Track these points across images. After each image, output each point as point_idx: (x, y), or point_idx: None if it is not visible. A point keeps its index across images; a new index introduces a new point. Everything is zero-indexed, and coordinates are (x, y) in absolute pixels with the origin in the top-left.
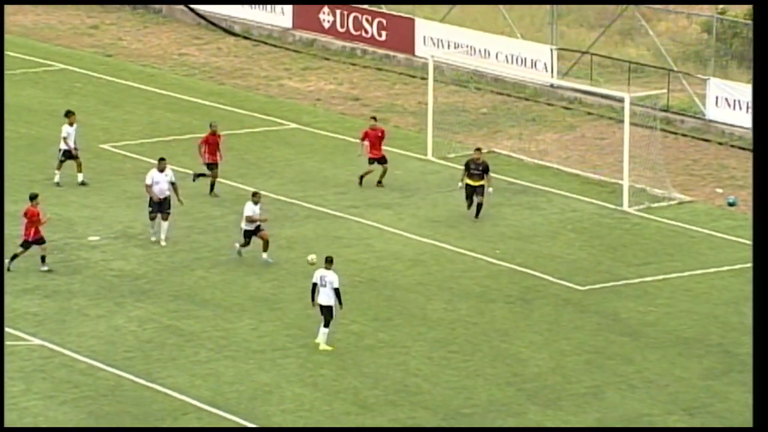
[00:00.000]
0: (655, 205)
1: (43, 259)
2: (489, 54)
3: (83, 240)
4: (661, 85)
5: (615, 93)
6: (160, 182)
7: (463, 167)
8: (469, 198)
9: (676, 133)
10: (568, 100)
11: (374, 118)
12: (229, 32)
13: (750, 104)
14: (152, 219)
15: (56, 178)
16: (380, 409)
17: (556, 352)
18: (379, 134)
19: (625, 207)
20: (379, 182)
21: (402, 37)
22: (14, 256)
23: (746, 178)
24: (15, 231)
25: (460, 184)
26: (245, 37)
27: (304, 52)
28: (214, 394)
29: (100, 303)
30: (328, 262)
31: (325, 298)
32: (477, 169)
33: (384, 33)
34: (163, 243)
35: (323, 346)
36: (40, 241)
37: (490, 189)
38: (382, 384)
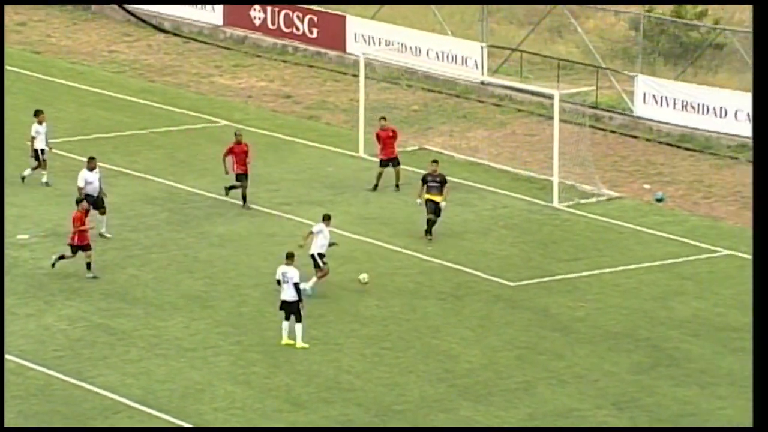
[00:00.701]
0: (585, 201)
1: (88, 265)
2: (420, 51)
3: (12, 238)
4: (590, 82)
5: (545, 90)
6: (93, 182)
7: (420, 182)
8: (433, 213)
9: (604, 130)
10: (498, 97)
11: (384, 118)
12: (159, 29)
13: (678, 100)
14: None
15: (44, 179)
16: (313, 407)
17: (487, 348)
18: (390, 134)
19: (556, 203)
20: (397, 186)
21: (333, 35)
22: (61, 257)
23: (673, 174)
24: None
25: (419, 200)
26: (175, 34)
27: (235, 49)
28: (146, 392)
29: (30, 302)
30: (289, 257)
31: (290, 294)
32: (435, 181)
33: (315, 30)
34: (108, 235)
35: (300, 344)
36: (85, 247)
37: (444, 203)
38: (314, 381)
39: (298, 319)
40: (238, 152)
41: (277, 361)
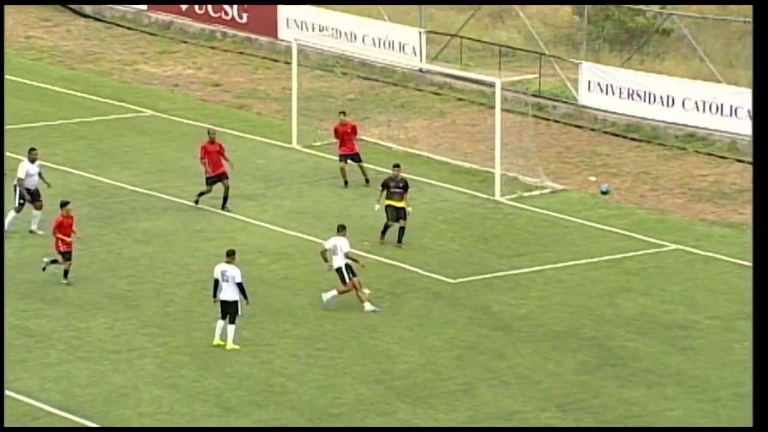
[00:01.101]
0: (528, 194)
1: (65, 273)
2: (355, 37)
3: None
4: (533, 69)
5: (485, 78)
6: (33, 174)
7: (380, 188)
8: (393, 221)
9: (548, 119)
10: (437, 86)
11: (343, 113)
12: (80, 14)
13: (624, 89)
14: (18, 211)
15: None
16: (244, 411)
17: (426, 348)
18: (349, 129)
19: (497, 196)
20: (367, 181)
21: (264, 20)
22: (54, 261)
23: (619, 165)
24: None
25: (377, 206)
26: (97, 19)
27: (160, 35)
28: (66, 397)
29: None
30: (230, 255)
31: (230, 293)
32: (398, 186)
33: (245, 15)
34: (40, 231)
35: (230, 345)
36: (66, 255)
37: (409, 208)
38: (245, 384)
39: (232, 320)
40: (212, 151)
41: (205, 364)
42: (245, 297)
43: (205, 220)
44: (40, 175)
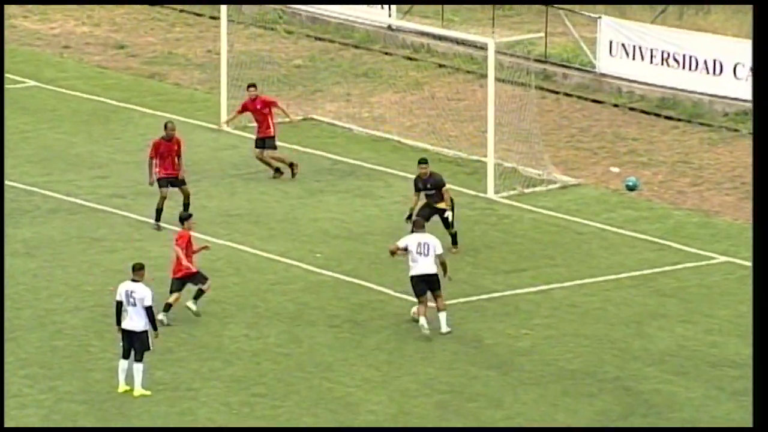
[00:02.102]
0: (530, 190)
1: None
2: None
3: None
4: (537, 26)
5: (475, 38)
6: None
7: (413, 191)
8: (424, 219)
9: (557, 92)
10: (412, 48)
11: (253, 86)
12: None
13: (656, 51)
14: None
15: None
16: None
17: (398, 393)
18: (259, 105)
19: (491, 194)
20: (277, 170)
21: None
22: (168, 306)
23: (651, 152)
24: None
25: (409, 215)
26: None
27: None
28: None
29: None
30: (137, 271)
31: (137, 320)
32: (427, 187)
33: None
34: None
35: (139, 391)
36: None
37: (449, 213)
38: None
39: (139, 357)
40: (166, 153)
41: (106, 415)
42: (154, 326)
43: (106, 225)
44: None
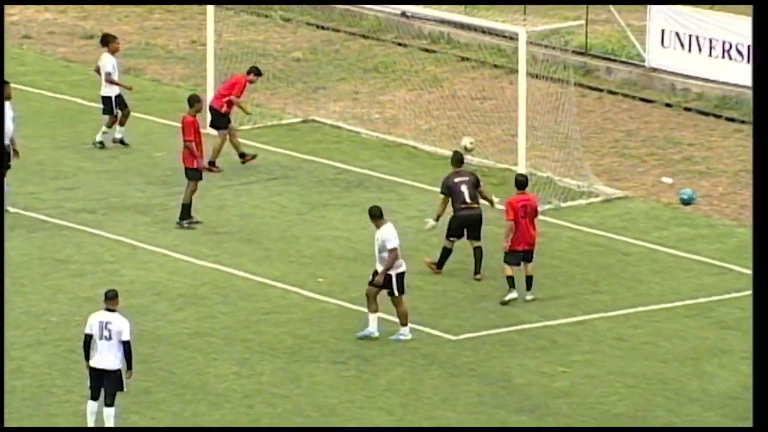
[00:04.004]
0: (568, 204)
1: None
2: None
3: None
4: (576, 12)
5: (504, 26)
6: (8, 121)
7: (441, 194)
8: (454, 238)
9: (600, 90)
10: (430, 38)
11: (256, 71)
12: None
13: (716, 42)
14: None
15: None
16: None
17: None
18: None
19: None
20: (243, 156)
21: None
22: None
23: (710, 159)
24: None
25: (429, 223)
26: None
27: None
28: None
29: None
30: (110, 299)
31: (109, 357)
32: (467, 184)
33: None
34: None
35: None
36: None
37: (497, 199)
38: None
39: (110, 402)
40: (197, 129)
41: None
42: (129, 364)
43: (73, 245)
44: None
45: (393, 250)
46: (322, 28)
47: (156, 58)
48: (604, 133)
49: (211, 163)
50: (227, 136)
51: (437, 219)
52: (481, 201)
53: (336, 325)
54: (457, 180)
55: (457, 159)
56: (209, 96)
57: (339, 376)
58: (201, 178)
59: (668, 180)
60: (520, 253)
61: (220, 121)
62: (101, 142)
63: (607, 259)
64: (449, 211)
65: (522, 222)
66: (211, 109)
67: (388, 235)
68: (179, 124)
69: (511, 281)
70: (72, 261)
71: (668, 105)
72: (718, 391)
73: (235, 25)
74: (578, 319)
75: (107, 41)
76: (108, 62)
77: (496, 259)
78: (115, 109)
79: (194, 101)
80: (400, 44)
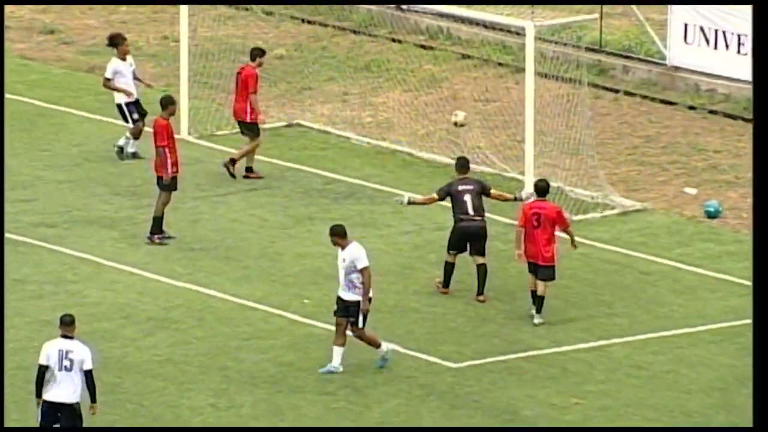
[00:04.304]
0: (582, 217)
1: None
2: None
3: None
4: (589, 5)
5: (509, 20)
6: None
7: (437, 192)
8: (455, 251)
9: (616, 90)
10: (428, 33)
11: (260, 52)
12: None
13: (743, 37)
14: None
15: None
16: None
17: None
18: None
19: None
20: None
21: None
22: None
23: (738, 167)
24: None
25: (403, 199)
26: None
27: None
28: None
29: None
30: (68, 324)
31: (68, 390)
32: (472, 194)
33: None
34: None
35: None
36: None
37: (525, 192)
38: None
39: None
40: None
41: None
42: (93, 397)
43: (32, 263)
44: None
45: (367, 269)
46: (308, 22)
47: None
48: (620, 138)
49: (249, 169)
50: (259, 141)
51: (408, 202)
52: (488, 213)
53: (323, 352)
54: (461, 188)
55: (462, 164)
56: (183, 98)
57: (327, 408)
58: (175, 188)
59: (692, 191)
60: (533, 265)
61: (251, 129)
62: (127, 151)
63: (624, 279)
64: (447, 223)
65: (533, 232)
66: (241, 123)
67: (357, 253)
68: (150, 129)
69: (532, 295)
70: (30, 281)
71: (692, 107)
72: (748, 425)
73: (212, 19)
74: (592, 345)
75: (115, 43)
76: (108, 67)
77: (501, 278)
78: (130, 116)
79: (167, 103)
80: (394, 40)
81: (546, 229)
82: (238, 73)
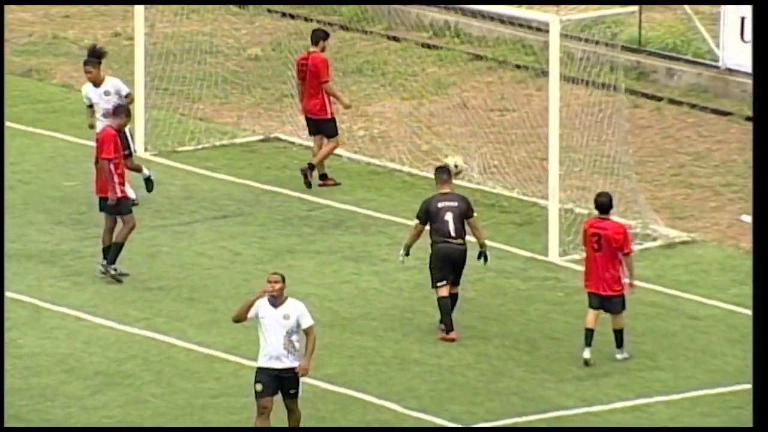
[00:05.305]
0: None
1: None
2: None
3: None
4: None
5: (530, 14)
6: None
7: (416, 219)
8: (445, 278)
9: (659, 98)
10: (431, 30)
11: (323, 35)
12: None
13: None
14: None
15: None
16: None
17: None
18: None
19: (554, 256)
20: (307, 169)
21: None
22: None
23: None
24: None
25: (401, 255)
26: None
27: None
28: None
29: None
30: None
31: None
32: (454, 212)
33: None
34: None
35: None
36: None
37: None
38: None
39: None
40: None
41: None
42: None
43: None
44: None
45: (312, 329)
46: (290, 16)
47: (66, 56)
48: (664, 155)
49: (323, 176)
50: (339, 141)
51: (407, 252)
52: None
53: (306, 412)
54: (441, 205)
55: (443, 176)
56: (139, 107)
57: None
58: (128, 212)
59: (747, 219)
60: (596, 297)
61: (329, 127)
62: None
63: (668, 325)
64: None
65: (594, 256)
66: (315, 121)
67: (302, 309)
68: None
69: (586, 335)
70: None
71: (749, 119)
72: None
73: (173, 13)
74: (630, 404)
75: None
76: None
77: (520, 324)
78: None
79: (119, 111)
80: (391, 38)
81: (608, 252)
82: (302, 63)
